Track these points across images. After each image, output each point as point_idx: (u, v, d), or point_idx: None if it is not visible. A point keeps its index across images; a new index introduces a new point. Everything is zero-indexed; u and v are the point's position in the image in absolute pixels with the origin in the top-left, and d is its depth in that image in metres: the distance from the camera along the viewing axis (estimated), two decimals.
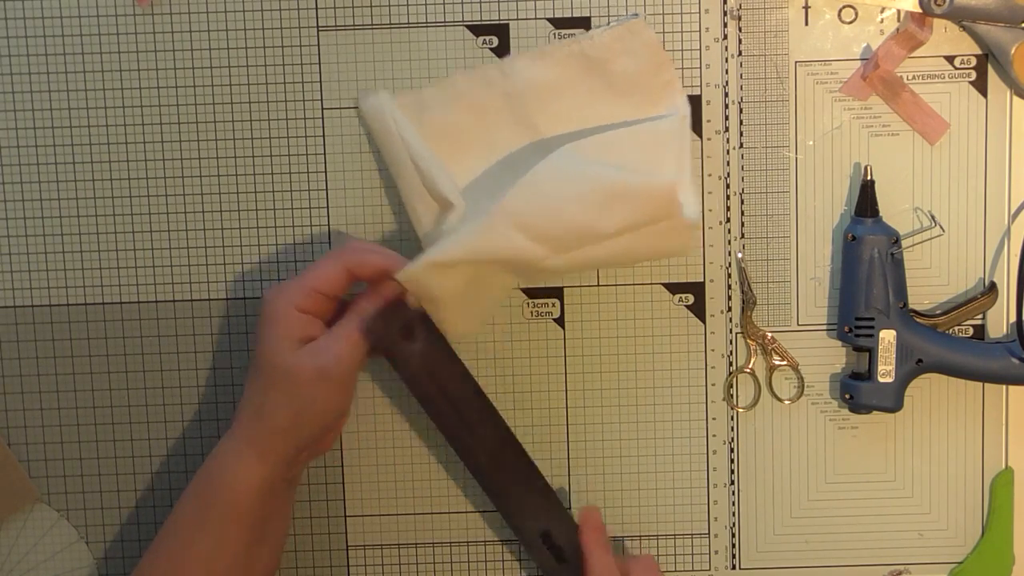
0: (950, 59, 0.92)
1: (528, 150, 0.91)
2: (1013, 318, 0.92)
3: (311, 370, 0.83)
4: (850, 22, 0.92)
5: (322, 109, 0.92)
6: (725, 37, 0.92)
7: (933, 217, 0.93)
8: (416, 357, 0.87)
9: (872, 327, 0.91)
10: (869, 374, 0.92)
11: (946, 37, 0.91)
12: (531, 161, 0.87)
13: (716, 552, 0.97)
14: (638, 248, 0.87)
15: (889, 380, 0.92)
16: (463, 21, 0.92)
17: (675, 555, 0.97)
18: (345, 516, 0.97)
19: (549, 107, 0.90)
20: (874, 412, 0.93)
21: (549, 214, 0.84)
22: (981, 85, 0.92)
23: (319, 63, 0.92)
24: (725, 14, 0.92)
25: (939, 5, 0.89)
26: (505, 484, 0.90)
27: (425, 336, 0.87)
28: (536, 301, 0.95)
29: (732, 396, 0.96)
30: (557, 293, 0.95)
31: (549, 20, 0.91)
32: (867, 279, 0.91)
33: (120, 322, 0.95)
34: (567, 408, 0.96)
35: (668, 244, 0.88)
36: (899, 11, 0.91)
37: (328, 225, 0.94)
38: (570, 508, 0.97)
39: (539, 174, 0.85)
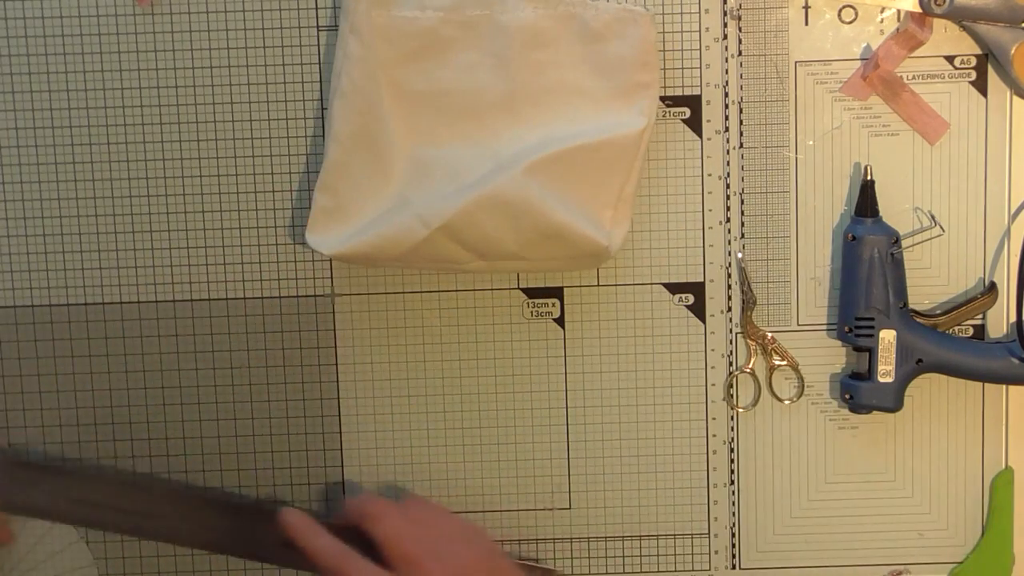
0: (950, 59, 0.92)
1: (483, 136, 0.90)
2: (1013, 318, 0.92)
3: None
4: (850, 22, 0.92)
5: (322, 109, 0.92)
6: (725, 37, 0.92)
7: (933, 217, 0.93)
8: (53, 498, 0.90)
9: (872, 327, 0.91)
10: (869, 374, 0.92)
11: (946, 37, 0.91)
12: (483, 158, 0.89)
13: (716, 552, 0.97)
14: (560, 266, 0.93)
15: (889, 380, 0.92)
16: None
17: (675, 555, 0.97)
18: None
19: (528, 52, 0.89)
20: (874, 412, 0.93)
21: (484, 237, 0.88)
22: (981, 85, 0.92)
23: (319, 63, 0.92)
24: (725, 14, 0.92)
25: (939, 5, 0.89)
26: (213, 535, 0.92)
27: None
28: (536, 301, 0.95)
29: (732, 396, 0.96)
30: (557, 293, 0.95)
31: None
32: (867, 279, 0.91)
33: (120, 322, 0.95)
34: (567, 408, 0.96)
35: (588, 264, 0.93)
36: (899, 11, 0.91)
37: None
38: (570, 508, 0.97)
39: (483, 199, 0.87)
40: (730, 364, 0.95)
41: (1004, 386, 0.95)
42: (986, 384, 0.94)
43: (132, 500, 0.91)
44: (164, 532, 0.91)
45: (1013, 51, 0.89)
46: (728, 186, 0.93)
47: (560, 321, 0.95)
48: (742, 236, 0.94)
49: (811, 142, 0.93)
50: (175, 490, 0.94)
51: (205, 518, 0.92)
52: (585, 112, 0.90)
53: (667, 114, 0.92)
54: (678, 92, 0.92)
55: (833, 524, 0.97)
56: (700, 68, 0.92)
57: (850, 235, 0.92)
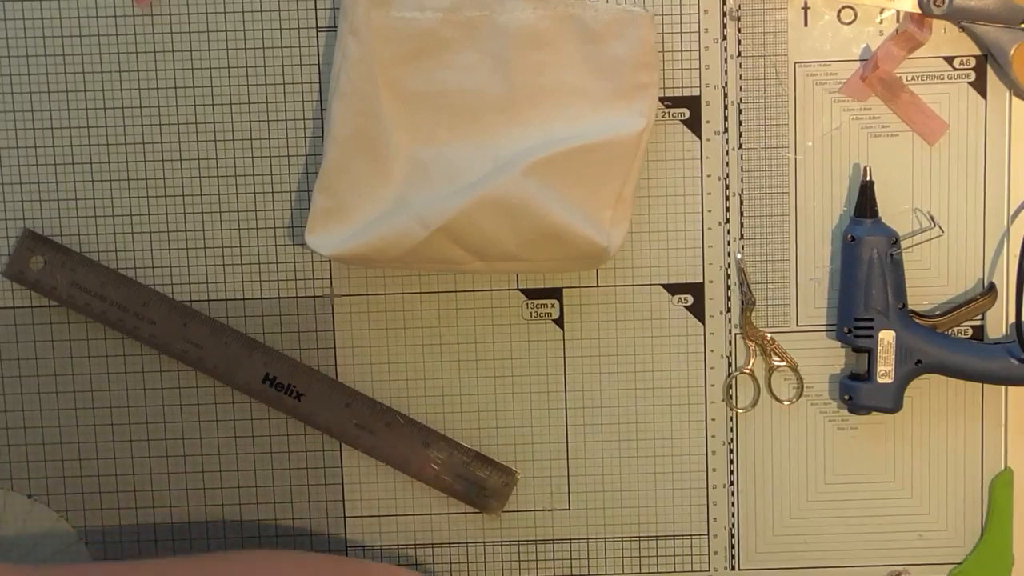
0: (949, 60, 0.92)
1: (482, 136, 0.90)
2: (1013, 318, 0.92)
3: None
4: (849, 23, 0.92)
5: (321, 110, 0.92)
6: (724, 38, 0.92)
7: (933, 218, 0.93)
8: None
9: (871, 328, 0.91)
10: (868, 375, 0.92)
11: (945, 38, 0.91)
12: (482, 158, 0.89)
13: (716, 552, 0.97)
14: (559, 267, 0.93)
15: (888, 381, 0.92)
16: None
17: (675, 555, 0.97)
18: (345, 517, 0.97)
19: (527, 53, 0.89)
20: (874, 413, 0.93)
21: (484, 238, 0.88)
22: (980, 86, 0.92)
23: (319, 63, 0.92)
24: (724, 15, 0.92)
25: (938, 6, 0.89)
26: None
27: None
28: (536, 302, 0.95)
29: (731, 397, 0.96)
30: (557, 293, 0.95)
31: None
32: (866, 280, 0.91)
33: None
34: (567, 408, 0.96)
35: (587, 264, 0.93)
36: (898, 12, 0.91)
37: None
38: (569, 508, 0.97)
39: (482, 200, 0.87)
40: (729, 365, 0.95)
41: (1003, 387, 0.95)
42: (985, 385, 0.94)
43: (127, 297, 0.92)
44: (147, 337, 0.93)
45: (1012, 52, 0.89)
46: (727, 187, 0.93)
47: (559, 322, 0.95)
48: (741, 237, 0.94)
49: (810, 143, 0.93)
50: (167, 300, 0.94)
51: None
52: (584, 113, 0.90)
53: (666, 115, 0.92)
54: (677, 93, 0.92)
55: (833, 524, 0.97)
56: (699, 69, 0.92)
57: (849, 236, 0.92)
